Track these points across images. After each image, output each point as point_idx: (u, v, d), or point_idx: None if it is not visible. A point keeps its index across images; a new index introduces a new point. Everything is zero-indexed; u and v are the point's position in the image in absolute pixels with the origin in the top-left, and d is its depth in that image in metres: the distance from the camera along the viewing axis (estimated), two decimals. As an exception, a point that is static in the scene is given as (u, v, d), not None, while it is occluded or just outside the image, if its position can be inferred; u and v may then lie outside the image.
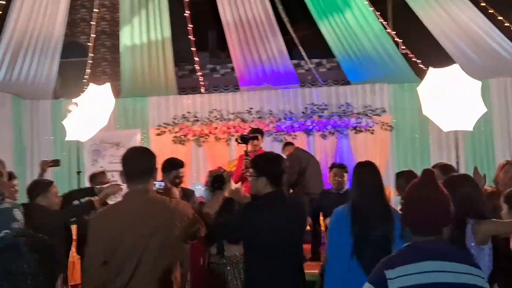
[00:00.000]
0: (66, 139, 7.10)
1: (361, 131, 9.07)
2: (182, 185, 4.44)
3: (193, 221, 2.53)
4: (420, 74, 8.63)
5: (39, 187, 3.82)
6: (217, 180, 4.05)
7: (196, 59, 8.93)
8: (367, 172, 3.14)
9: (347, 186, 4.94)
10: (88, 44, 10.70)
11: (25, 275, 1.50)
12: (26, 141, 9.48)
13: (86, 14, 12.59)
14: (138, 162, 2.51)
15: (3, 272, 1.50)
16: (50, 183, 3.91)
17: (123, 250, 2.34)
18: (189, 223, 2.49)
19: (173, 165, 4.28)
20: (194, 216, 2.56)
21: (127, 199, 2.53)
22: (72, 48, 12.08)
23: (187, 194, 4.38)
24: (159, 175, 3.97)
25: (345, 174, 4.82)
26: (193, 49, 8.56)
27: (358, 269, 2.86)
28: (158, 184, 3.49)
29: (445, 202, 1.99)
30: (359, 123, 9.06)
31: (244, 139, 5.06)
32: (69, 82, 11.01)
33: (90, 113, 6.49)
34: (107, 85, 6.84)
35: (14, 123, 9.22)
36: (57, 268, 1.69)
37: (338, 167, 4.91)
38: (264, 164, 2.94)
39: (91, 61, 9.59)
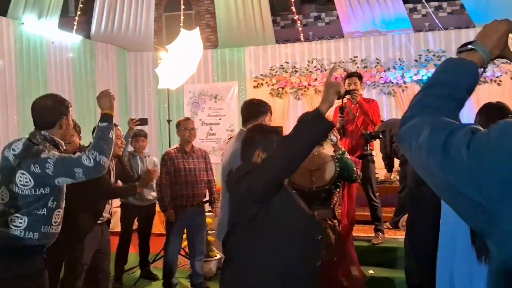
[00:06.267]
0: (158, 87, 7.00)
1: (486, 82, 7.83)
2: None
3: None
4: None
5: None
6: None
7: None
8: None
9: None
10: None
11: None
12: (130, 92, 9.71)
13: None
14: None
15: None
16: None
17: None
18: None
19: None
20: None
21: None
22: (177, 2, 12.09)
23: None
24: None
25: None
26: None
27: None
28: None
29: None
30: (484, 72, 7.77)
31: None
32: (176, 35, 11.08)
33: (179, 60, 6.25)
34: (197, 30, 6.52)
35: (120, 75, 9.48)
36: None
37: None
38: None
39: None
